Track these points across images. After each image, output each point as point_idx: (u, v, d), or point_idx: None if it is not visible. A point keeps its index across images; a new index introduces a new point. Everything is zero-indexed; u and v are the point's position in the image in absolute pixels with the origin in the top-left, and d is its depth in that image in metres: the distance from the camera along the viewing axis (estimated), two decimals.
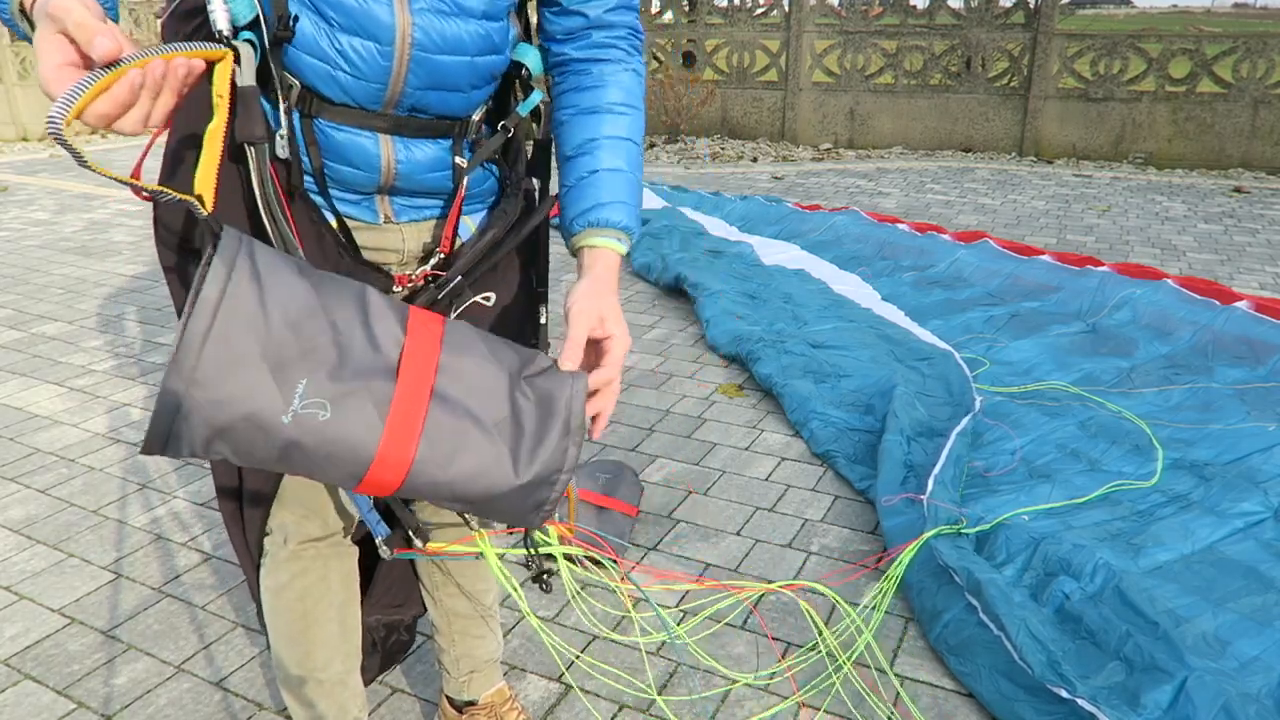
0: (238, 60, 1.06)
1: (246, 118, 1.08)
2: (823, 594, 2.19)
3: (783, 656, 1.99)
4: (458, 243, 1.32)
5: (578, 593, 1.61)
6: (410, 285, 1.28)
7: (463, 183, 1.25)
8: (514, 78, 1.30)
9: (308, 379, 0.91)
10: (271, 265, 0.92)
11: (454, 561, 1.57)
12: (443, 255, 1.29)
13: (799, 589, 2.22)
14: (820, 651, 1.99)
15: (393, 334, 0.98)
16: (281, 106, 1.12)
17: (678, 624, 2.10)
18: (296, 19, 1.07)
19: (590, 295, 1.13)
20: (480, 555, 1.14)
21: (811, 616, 2.11)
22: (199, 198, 0.92)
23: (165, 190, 0.89)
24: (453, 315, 1.29)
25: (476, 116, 1.24)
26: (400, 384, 0.96)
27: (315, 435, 0.91)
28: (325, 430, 0.91)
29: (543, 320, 1.41)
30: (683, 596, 2.22)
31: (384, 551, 1.19)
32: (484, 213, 1.35)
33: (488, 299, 1.30)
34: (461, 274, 1.28)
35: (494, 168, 1.34)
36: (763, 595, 2.20)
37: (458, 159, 1.24)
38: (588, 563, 1.85)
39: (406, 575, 1.66)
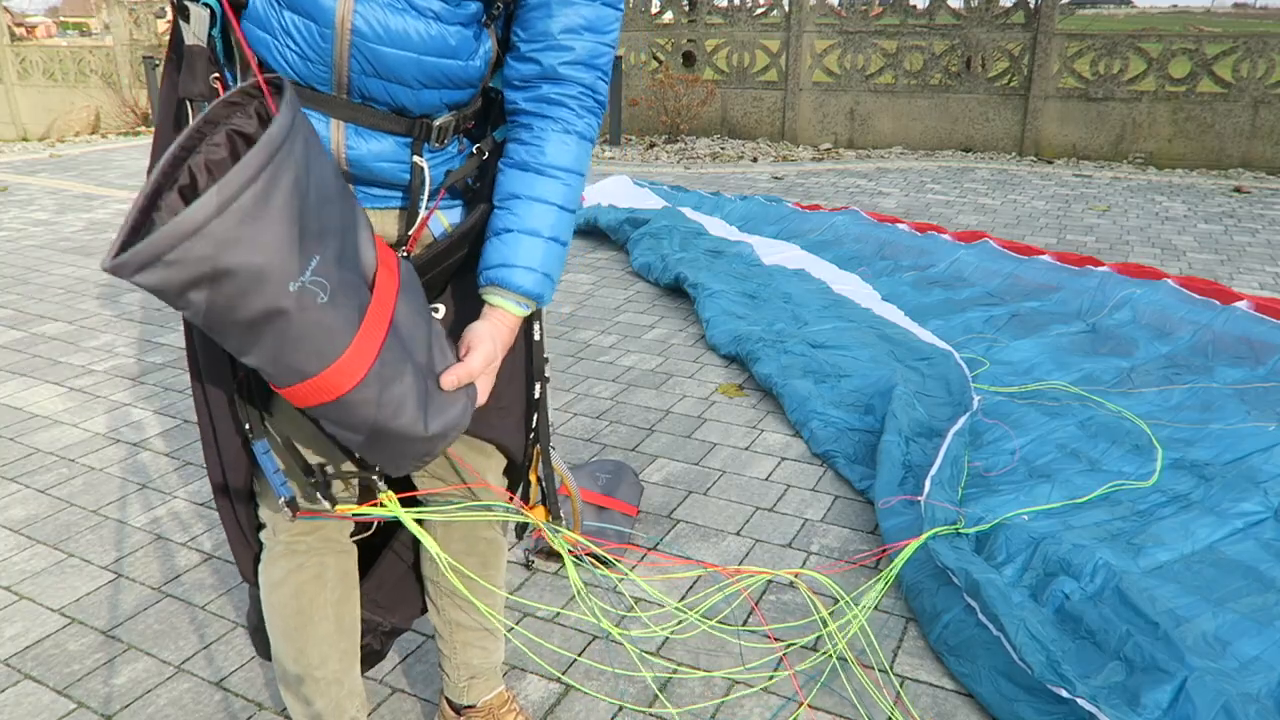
0: (187, 18, 1.10)
1: (188, 75, 1.11)
2: (822, 585, 2.19)
3: (784, 656, 1.99)
4: (428, 238, 1.32)
5: (583, 589, 1.61)
6: None
7: (423, 183, 1.24)
8: (493, 101, 1.28)
9: (320, 256, 0.90)
10: (314, 136, 0.93)
11: (463, 577, 1.56)
12: (406, 254, 1.29)
13: (798, 577, 2.22)
14: (826, 648, 1.99)
15: (370, 250, 1.03)
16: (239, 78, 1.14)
17: (677, 624, 2.10)
18: None
19: (490, 337, 1.19)
20: (394, 517, 1.21)
21: (813, 603, 2.11)
22: None
23: None
24: None
25: (440, 122, 1.21)
26: (374, 299, 1.00)
27: (307, 314, 0.90)
28: (317, 313, 0.91)
29: (536, 337, 1.41)
30: (684, 595, 2.22)
31: (285, 513, 1.21)
32: (460, 209, 1.34)
33: (435, 310, 1.31)
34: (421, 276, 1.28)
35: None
36: (763, 594, 2.20)
37: (417, 158, 1.22)
38: (592, 559, 1.84)
39: (402, 581, 1.64)
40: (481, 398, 1.19)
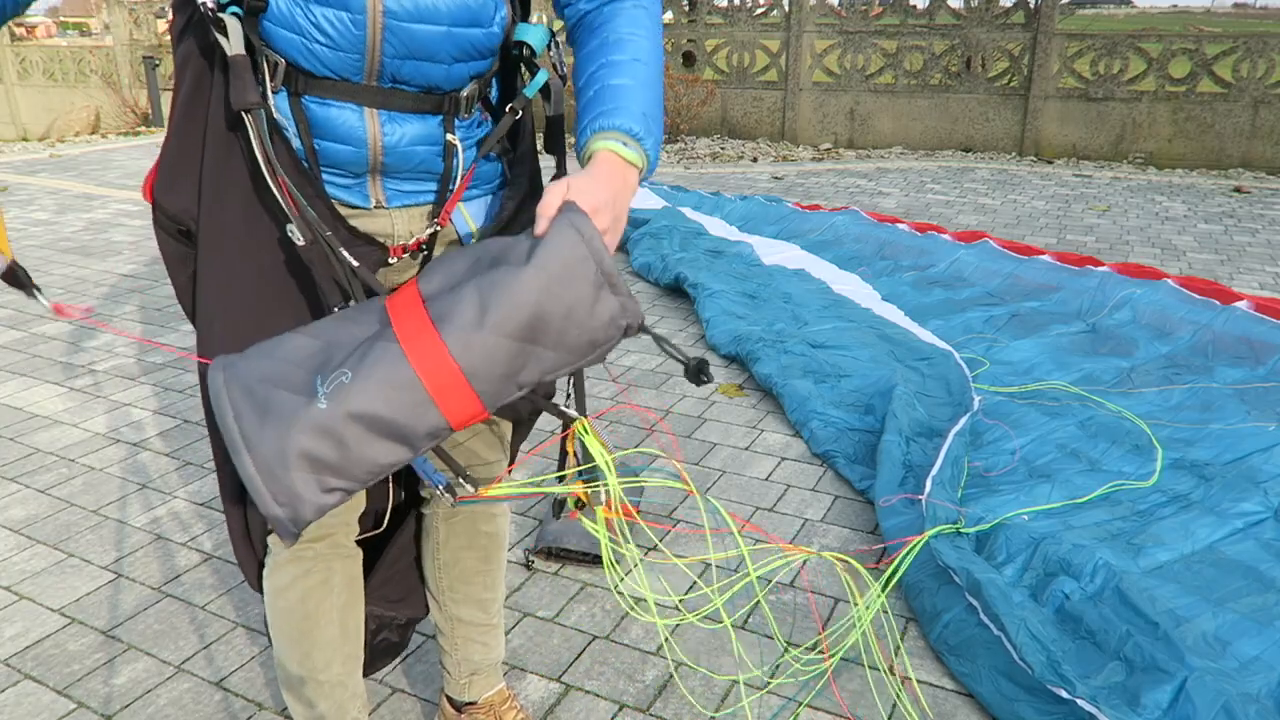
0: (224, 32, 1.10)
1: (239, 86, 1.11)
2: (824, 582, 2.20)
3: (785, 654, 1.99)
4: (452, 235, 1.32)
5: (614, 565, 1.62)
6: (404, 254, 1.28)
7: (457, 161, 1.25)
8: (518, 59, 1.30)
9: (318, 375, 1.00)
10: (241, 358, 1.06)
11: (462, 569, 1.57)
12: (440, 226, 1.29)
13: (838, 560, 2.22)
14: (831, 649, 2.00)
15: (370, 309, 1.08)
16: (269, 85, 1.14)
17: (674, 629, 2.10)
18: None
19: (569, 179, 1.09)
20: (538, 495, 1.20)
21: (847, 581, 2.12)
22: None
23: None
24: None
25: (466, 92, 1.23)
26: (392, 312, 1.04)
27: (354, 394, 0.99)
28: (357, 383, 0.99)
29: None
30: (686, 592, 2.22)
31: (447, 500, 1.20)
32: (484, 199, 1.35)
33: None
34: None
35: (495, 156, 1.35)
36: (764, 593, 2.21)
37: (450, 136, 1.24)
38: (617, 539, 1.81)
39: (408, 573, 1.65)
40: (589, 209, 1.05)
